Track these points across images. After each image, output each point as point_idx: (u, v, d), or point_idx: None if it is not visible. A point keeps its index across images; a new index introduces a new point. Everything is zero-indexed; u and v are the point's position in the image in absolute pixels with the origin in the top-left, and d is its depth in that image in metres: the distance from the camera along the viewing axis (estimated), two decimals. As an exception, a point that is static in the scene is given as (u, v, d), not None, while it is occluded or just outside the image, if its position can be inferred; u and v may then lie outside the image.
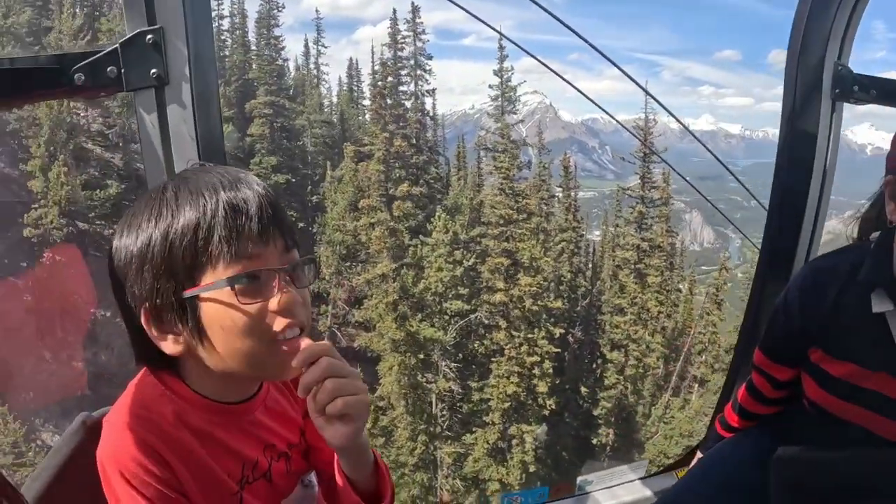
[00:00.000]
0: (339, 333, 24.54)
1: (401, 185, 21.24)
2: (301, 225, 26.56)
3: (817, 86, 1.90)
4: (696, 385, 19.80)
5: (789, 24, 1.90)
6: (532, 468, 19.45)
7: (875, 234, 1.35)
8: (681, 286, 21.41)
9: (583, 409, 20.20)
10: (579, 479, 2.54)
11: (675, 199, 21.11)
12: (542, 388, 18.45)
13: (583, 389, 19.99)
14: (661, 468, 2.62)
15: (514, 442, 19.60)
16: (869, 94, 1.86)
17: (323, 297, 25.12)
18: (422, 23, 25.52)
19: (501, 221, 18.44)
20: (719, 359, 19.13)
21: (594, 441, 20.32)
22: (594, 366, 20.19)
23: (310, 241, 26.09)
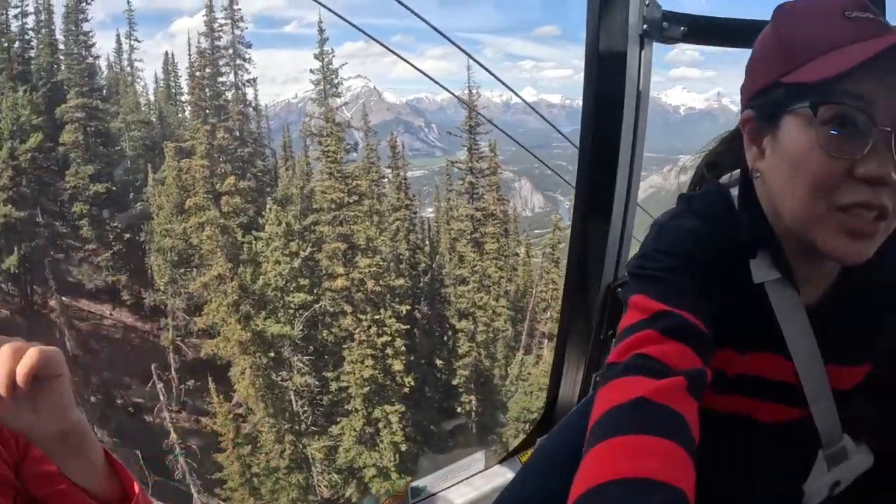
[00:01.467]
0: (183, 345, 22.86)
1: (227, 179, 19.99)
2: (127, 236, 24.37)
3: (623, 23, 1.71)
4: (546, 340, 20.84)
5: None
6: (404, 447, 19.52)
7: (727, 178, 1.12)
8: (518, 250, 22.38)
9: (442, 381, 20.52)
10: (411, 485, 2.30)
11: (503, 168, 21.88)
12: (398, 366, 18.45)
13: (438, 362, 20.28)
14: (504, 455, 2.41)
15: (380, 425, 19.50)
16: (679, 31, 1.68)
17: (160, 310, 23.31)
18: (240, 9, 24.21)
19: (333, 206, 18.02)
20: (563, 312, 20.18)
21: (458, 409, 20.76)
22: (445, 337, 20.53)
23: (138, 252, 24.03)
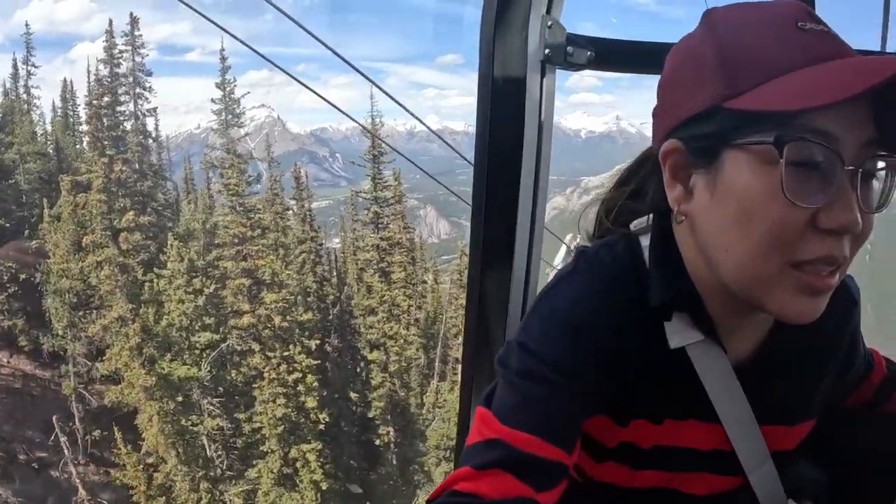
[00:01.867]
0: (86, 393, 21.56)
1: (126, 214, 19.06)
2: (23, 277, 22.93)
3: (522, 49, 1.49)
4: (460, 366, 20.79)
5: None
6: (324, 485, 18.99)
7: (639, 224, 0.92)
8: (426, 278, 22.35)
9: (358, 414, 20.15)
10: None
11: (408, 196, 21.82)
12: (311, 403, 17.94)
13: (352, 395, 19.90)
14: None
15: (298, 465, 18.91)
16: (585, 56, 1.47)
17: (60, 356, 21.96)
18: (140, 36, 23.42)
19: (236, 241, 17.43)
20: (475, 337, 20.20)
21: (377, 442, 20.40)
22: (358, 369, 20.20)
23: (35, 294, 22.60)
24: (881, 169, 0.74)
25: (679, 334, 0.87)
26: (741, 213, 0.73)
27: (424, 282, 21.81)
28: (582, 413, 0.87)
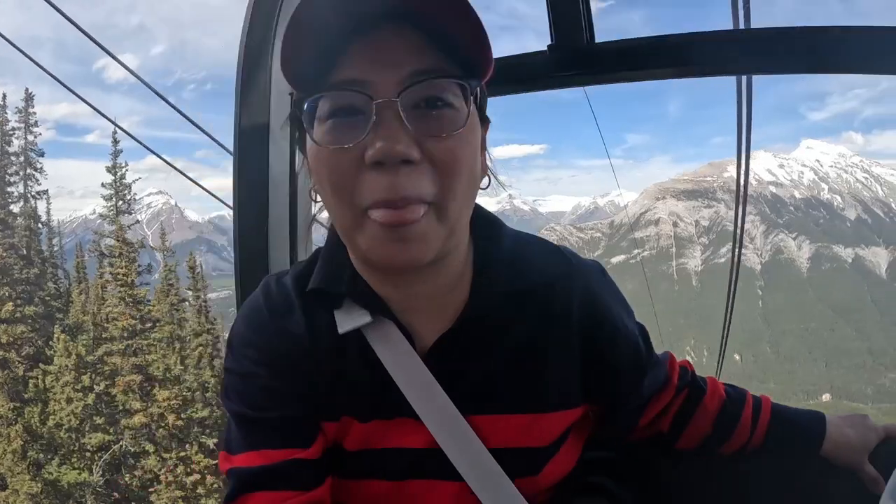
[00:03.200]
0: (-30, 501, 19.62)
1: (5, 305, 17.71)
2: None
3: (266, 102, 1.49)
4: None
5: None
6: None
7: None
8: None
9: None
10: None
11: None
12: (214, 505, 16.79)
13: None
14: None
15: (205, 574, 17.54)
16: None
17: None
18: (35, 114, 22.42)
19: (126, 334, 16.39)
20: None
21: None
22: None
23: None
24: (436, 98, 0.75)
25: (350, 320, 0.86)
26: (317, 177, 0.78)
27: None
28: (297, 409, 0.87)
